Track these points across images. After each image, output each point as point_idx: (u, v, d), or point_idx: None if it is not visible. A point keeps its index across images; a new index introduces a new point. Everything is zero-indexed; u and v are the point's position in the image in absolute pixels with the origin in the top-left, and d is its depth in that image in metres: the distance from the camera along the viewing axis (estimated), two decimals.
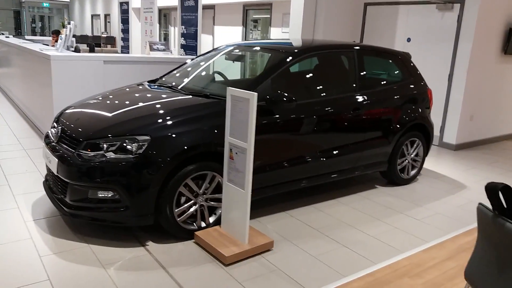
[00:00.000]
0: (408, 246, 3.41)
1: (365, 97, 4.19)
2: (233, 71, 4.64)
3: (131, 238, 3.24)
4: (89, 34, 21.76)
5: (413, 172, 4.85)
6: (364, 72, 4.28)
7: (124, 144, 3.00)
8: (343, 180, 4.79)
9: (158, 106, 3.39)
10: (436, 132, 6.66)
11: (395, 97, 4.49)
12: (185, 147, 3.06)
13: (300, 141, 3.78)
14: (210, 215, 3.35)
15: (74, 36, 18.74)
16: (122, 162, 2.95)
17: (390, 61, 4.69)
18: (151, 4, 9.68)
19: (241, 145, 2.96)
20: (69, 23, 6.16)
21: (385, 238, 3.51)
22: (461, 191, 4.79)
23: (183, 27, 8.66)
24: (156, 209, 3.06)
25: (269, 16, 8.51)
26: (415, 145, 4.76)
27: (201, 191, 3.22)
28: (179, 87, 3.89)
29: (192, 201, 3.20)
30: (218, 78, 4.41)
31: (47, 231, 3.27)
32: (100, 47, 17.90)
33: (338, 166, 4.10)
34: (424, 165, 5.63)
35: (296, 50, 3.82)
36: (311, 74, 4.41)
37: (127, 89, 4.01)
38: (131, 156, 2.97)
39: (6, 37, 11.04)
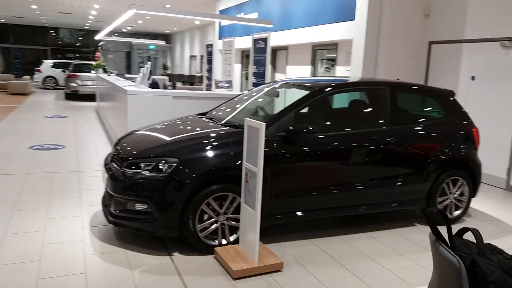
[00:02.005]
0: (424, 283, 3.38)
1: (397, 132, 4.27)
2: (274, 105, 5.01)
3: (162, 248, 3.69)
4: (187, 73, 23.83)
5: (457, 213, 4.70)
6: (398, 108, 4.39)
7: (158, 164, 3.52)
8: (379, 215, 4.81)
9: (192, 133, 3.90)
10: (503, 174, 6.29)
11: (433, 133, 4.49)
12: (207, 170, 3.49)
13: (324, 172, 3.99)
14: (231, 234, 3.69)
15: (171, 74, 20.64)
16: (154, 179, 3.46)
17: (430, 98, 4.71)
18: (230, 46, 10.58)
19: (253, 170, 3.30)
20: (146, 63, 7.10)
21: (402, 273, 3.52)
22: (509, 236, 4.51)
23: (254, 67, 9.33)
24: (181, 223, 3.49)
25: (335, 55, 8.82)
26: (458, 184, 4.64)
27: (222, 210, 3.59)
28: (217, 118, 4.37)
29: (214, 219, 3.59)
30: (259, 111, 4.82)
31: (97, 236, 3.87)
32: (192, 85, 19.56)
33: (366, 200, 4.20)
34: (480, 207, 5.37)
35: (319, 88, 4.10)
36: (340, 109, 4.62)
37: (178, 120, 4.60)
38: (161, 174, 3.47)
39: (108, 75, 12.74)
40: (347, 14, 7.82)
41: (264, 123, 3.20)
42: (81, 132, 9.34)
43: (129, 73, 28.51)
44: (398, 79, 5.23)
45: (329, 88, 4.16)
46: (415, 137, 4.40)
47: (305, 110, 4.01)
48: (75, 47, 31.32)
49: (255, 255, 3.35)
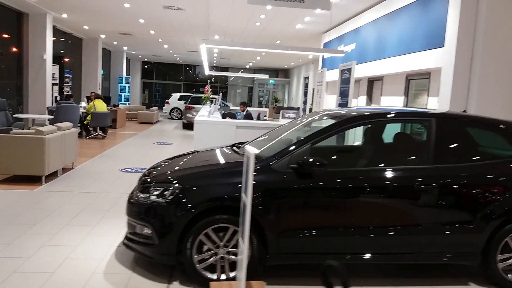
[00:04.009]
0: None
1: (442, 172, 3.63)
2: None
3: (166, 276, 3.67)
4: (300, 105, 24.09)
5: None
6: (444, 144, 3.74)
7: (164, 190, 3.55)
8: (427, 267, 4.08)
9: (207, 162, 3.86)
10: None
11: (493, 175, 3.71)
12: (207, 199, 3.40)
13: (344, 211, 3.57)
14: (232, 269, 3.49)
15: (280, 107, 21.07)
16: (158, 204, 3.50)
17: (495, 133, 3.92)
18: (321, 78, 10.42)
19: (245, 200, 3.10)
20: (218, 94, 7.36)
21: None
22: None
23: (340, 97, 9.00)
24: (178, 252, 3.43)
25: (427, 85, 8.01)
26: None
27: (222, 243, 3.44)
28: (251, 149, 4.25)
29: (213, 251, 3.45)
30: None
31: (117, 256, 4.03)
32: None
33: (393, 248, 3.62)
34: None
35: (343, 119, 3.73)
36: (369, 142, 4.12)
37: (209, 150, 4.59)
38: (164, 200, 3.49)
39: (210, 106, 13.53)
40: (437, 41, 7.08)
41: (254, 153, 3.01)
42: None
43: (249, 106, 30.05)
44: (464, 111, 4.49)
45: (359, 119, 3.77)
46: (469, 179, 3.68)
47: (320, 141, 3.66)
48: (204, 82, 34.28)
49: None
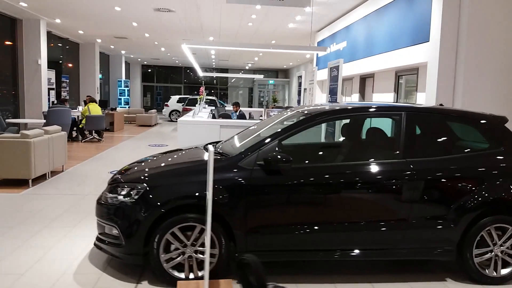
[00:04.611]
0: None
1: (412, 166, 3.58)
2: None
3: (136, 275, 3.65)
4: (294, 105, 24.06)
5: (506, 271, 3.69)
6: (416, 138, 3.69)
7: (130, 190, 3.53)
8: (403, 263, 4.03)
9: (176, 161, 3.84)
10: None
11: (466, 169, 3.65)
12: (172, 198, 3.38)
13: (314, 208, 3.53)
14: (201, 268, 3.46)
15: (279, 107, 21.01)
16: (124, 204, 3.48)
17: (470, 126, 3.86)
18: (312, 76, 10.39)
19: (207, 198, 3.07)
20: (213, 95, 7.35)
21: None
22: None
23: (329, 95, 8.96)
24: (146, 252, 3.41)
25: (415, 81, 7.95)
26: (508, 234, 3.65)
27: (189, 242, 3.42)
28: (217, 148, 4.21)
29: (181, 250, 3.43)
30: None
31: (90, 257, 4.02)
32: None
33: (365, 244, 3.57)
34: None
35: (309, 115, 3.69)
36: (342, 138, 4.08)
37: (183, 150, 4.55)
38: (130, 200, 3.47)
39: (204, 107, 13.53)
40: (423, 36, 7.03)
41: (212, 149, 2.99)
42: None
43: (250, 107, 30.03)
44: (441, 104, 4.44)
45: (323, 115, 3.73)
46: (441, 173, 3.63)
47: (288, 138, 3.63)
48: (206, 84, 34.31)
49: None
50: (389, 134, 4.05)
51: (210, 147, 2.98)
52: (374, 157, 3.71)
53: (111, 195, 3.65)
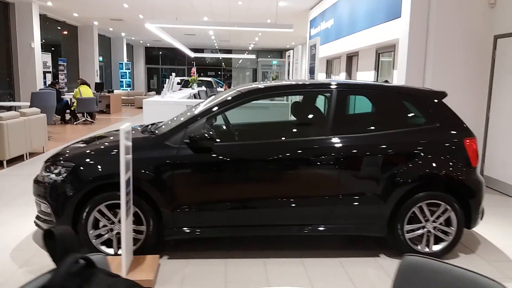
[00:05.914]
0: None
1: (342, 143, 3.55)
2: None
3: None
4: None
5: (438, 247, 3.67)
6: (346, 115, 3.66)
7: (60, 168, 3.59)
8: (336, 238, 4.04)
9: (107, 142, 3.87)
10: None
11: (396, 145, 3.61)
12: (96, 176, 3.42)
13: (242, 184, 3.55)
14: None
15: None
16: (53, 182, 3.54)
17: (405, 101, 3.80)
18: (297, 56, 10.25)
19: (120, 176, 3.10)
20: (171, 75, 7.34)
21: None
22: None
23: (310, 74, 8.86)
24: (74, 228, 3.48)
25: (391, 59, 7.80)
26: (440, 210, 3.62)
27: (116, 219, 3.48)
28: (150, 128, 4.19)
29: (108, 227, 3.49)
30: None
31: (34, 235, 4.12)
32: None
33: (293, 220, 3.59)
34: (494, 236, 4.09)
35: (239, 93, 3.67)
36: (265, 116, 4.05)
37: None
38: (59, 178, 3.53)
39: (192, 88, 13.52)
40: (395, 11, 6.86)
41: (127, 128, 3.01)
42: None
43: None
44: (386, 81, 4.36)
45: (253, 93, 3.71)
46: (371, 149, 3.59)
47: (215, 116, 3.62)
48: (213, 66, 34.19)
49: (122, 268, 3.15)
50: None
51: (122, 127, 3.00)
52: (303, 134, 3.69)
53: (45, 173, 3.72)
